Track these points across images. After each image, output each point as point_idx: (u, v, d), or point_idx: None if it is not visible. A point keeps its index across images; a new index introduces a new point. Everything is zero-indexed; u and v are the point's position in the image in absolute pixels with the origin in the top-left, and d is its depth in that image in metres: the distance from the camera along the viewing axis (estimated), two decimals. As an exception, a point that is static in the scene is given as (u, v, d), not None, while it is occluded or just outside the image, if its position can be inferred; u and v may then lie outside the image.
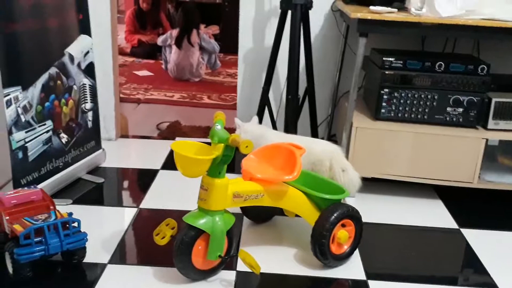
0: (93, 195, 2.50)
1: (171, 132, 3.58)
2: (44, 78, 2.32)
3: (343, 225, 1.98)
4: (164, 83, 4.98)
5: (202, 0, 6.64)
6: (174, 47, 5.07)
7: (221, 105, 4.38)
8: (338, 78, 3.03)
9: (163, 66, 5.42)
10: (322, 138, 3.13)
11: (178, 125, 3.72)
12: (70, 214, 1.85)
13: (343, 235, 1.96)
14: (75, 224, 1.86)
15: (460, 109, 2.50)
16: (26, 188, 2.01)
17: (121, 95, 3.60)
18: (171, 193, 2.53)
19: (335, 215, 1.92)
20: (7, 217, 1.83)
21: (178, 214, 2.24)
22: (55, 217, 1.83)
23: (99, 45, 2.88)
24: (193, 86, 4.94)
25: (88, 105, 2.68)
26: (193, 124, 3.76)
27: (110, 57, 3.04)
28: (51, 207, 1.93)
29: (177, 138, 3.36)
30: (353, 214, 1.98)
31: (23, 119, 2.20)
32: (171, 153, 3.05)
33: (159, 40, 5.34)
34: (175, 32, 5.13)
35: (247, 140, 1.68)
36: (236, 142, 1.69)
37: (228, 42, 6.13)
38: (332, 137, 3.18)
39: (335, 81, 3.04)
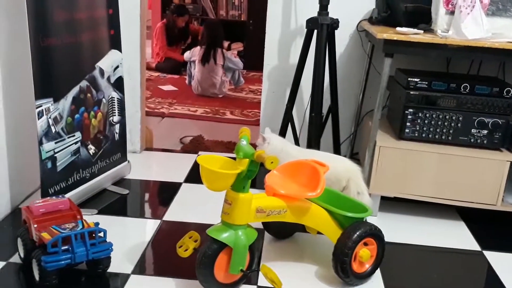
0: (117, 206, 2.55)
1: (194, 146, 3.62)
2: (75, 90, 2.39)
3: (365, 244, 1.98)
4: (188, 98, 5.05)
5: (227, 18, 6.74)
6: (198, 64, 5.14)
7: (244, 120, 4.42)
8: (361, 97, 3.05)
9: (186, 81, 5.50)
10: (345, 156, 3.15)
11: (201, 139, 3.76)
12: (97, 224, 1.89)
13: (365, 253, 1.96)
14: (101, 234, 1.89)
15: (485, 131, 2.49)
16: (54, 197, 2.06)
17: (146, 109, 3.66)
18: (194, 206, 2.56)
19: (357, 233, 1.93)
20: (35, 225, 1.88)
21: (200, 227, 2.27)
22: (82, 227, 1.87)
23: (128, 60, 2.94)
24: (216, 102, 5.00)
25: (116, 118, 2.74)
26: (215, 139, 3.80)
27: (139, 72, 3.11)
28: (78, 217, 1.97)
29: (200, 152, 3.40)
30: (375, 233, 1.99)
31: (53, 130, 2.26)
32: (194, 166, 3.10)
33: (185, 56, 5.43)
34: (200, 50, 5.21)
35: (273, 156, 1.70)
36: (261, 158, 1.72)
37: (252, 59, 6.22)
38: (354, 155, 3.18)
39: (359, 100, 3.06)
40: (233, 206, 1.81)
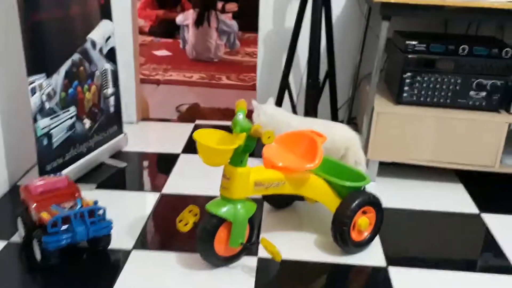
0: (116, 179, 2.54)
1: (190, 114, 3.60)
2: (67, 64, 2.34)
3: (364, 212, 1.99)
4: (183, 63, 4.99)
5: (221, -23, 6.58)
6: (191, 28, 5.05)
7: (240, 85, 4.38)
8: (359, 60, 3.00)
9: (181, 45, 5.42)
10: (342, 121, 3.14)
11: (197, 107, 3.74)
12: (96, 202, 1.89)
13: (364, 222, 1.97)
14: (100, 212, 1.89)
15: (483, 93, 2.46)
16: (51, 175, 2.05)
17: (141, 76, 3.62)
18: (192, 177, 2.56)
19: (356, 202, 1.93)
20: (35, 205, 1.88)
21: (199, 200, 2.29)
22: (81, 205, 1.87)
23: (119, 29, 2.88)
24: (211, 66, 4.94)
25: (110, 90, 2.70)
26: (212, 106, 3.78)
27: (131, 41, 3.05)
28: (77, 194, 1.97)
29: (196, 121, 3.38)
30: (374, 201, 1.99)
31: (47, 106, 2.23)
32: (191, 136, 3.08)
33: (178, 19, 5.32)
34: (193, 13, 5.10)
35: (269, 131, 1.69)
36: (258, 133, 1.70)
37: (247, 19, 6.07)
38: (352, 120, 3.16)
39: (356, 63, 3.02)
40: (231, 181, 1.80)
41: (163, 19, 5.99)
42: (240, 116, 1.78)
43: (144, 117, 3.38)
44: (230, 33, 5.23)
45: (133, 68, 3.12)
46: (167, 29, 5.90)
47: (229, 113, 3.63)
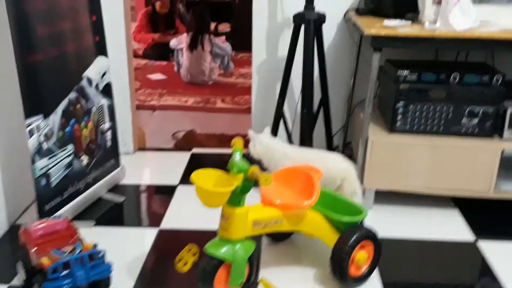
0: (114, 215, 2.56)
1: (187, 141, 3.62)
2: (64, 103, 2.36)
3: (362, 247, 2.01)
4: (178, 87, 5.02)
5: (212, -1, 6.64)
6: (186, 52, 5.09)
7: (235, 109, 4.41)
8: (352, 87, 3.03)
9: (175, 69, 5.45)
10: (337, 146, 3.16)
11: (193, 134, 3.76)
12: (95, 245, 1.90)
13: (362, 257, 1.99)
14: (100, 255, 1.90)
15: (476, 120, 2.50)
16: (51, 218, 2.06)
17: (137, 102, 3.64)
18: (191, 210, 2.57)
19: (354, 238, 1.95)
20: (35, 249, 1.89)
21: (198, 235, 2.30)
22: (81, 249, 1.88)
23: (115, 63, 2.89)
24: (206, 89, 4.97)
25: (107, 125, 2.72)
26: (208, 132, 3.80)
27: (126, 72, 3.09)
28: (76, 237, 1.98)
29: (193, 149, 3.40)
30: (371, 236, 2.01)
31: (45, 147, 2.25)
32: (188, 167, 3.10)
33: (171, 43, 5.36)
34: (186, 36, 5.14)
35: (267, 174, 1.71)
36: (255, 175, 1.72)
37: (240, 39, 6.14)
38: (347, 145, 3.19)
39: (350, 90, 3.05)
40: (229, 221, 1.82)
41: (158, 42, 6.03)
42: (237, 157, 1.80)
43: (141, 147, 3.39)
44: (224, 55, 5.27)
45: (128, 98, 3.14)
46: (161, 52, 5.93)
47: (225, 139, 3.65)
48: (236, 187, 1.77)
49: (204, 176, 1.83)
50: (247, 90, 4.75)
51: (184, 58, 5.11)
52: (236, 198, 1.80)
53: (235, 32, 6.56)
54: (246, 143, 2.59)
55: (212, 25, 6.39)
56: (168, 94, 4.81)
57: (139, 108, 3.97)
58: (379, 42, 2.37)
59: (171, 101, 4.60)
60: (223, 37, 5.99)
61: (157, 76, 5.39)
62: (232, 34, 6.59)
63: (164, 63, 5.89)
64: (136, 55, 5.89)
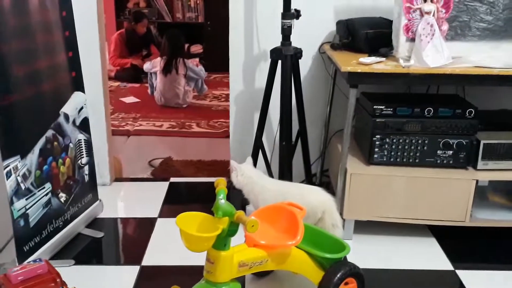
0: (93, 251, 2.52)
1: (164, 169, 3.60)
2: (41, 142, 2.33)
3: (346, 283, 2.04)
4: (152, 111, 5.00)
5: (184, 20, 6.66)
6: (159, 75, 5.08)
7: (212, 133, 4.42)
8: (328, 117, 3.08)
9: (149, 91, 5.43)
10: (315, 174, 3.20)
11: (170, 161, 3.74)
12: (78, 291, 1.88)
13: (346, 293, 2.02)
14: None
15: (450, 152, 2.57)
16: (31, 262, 2.02)
17: (111, 128, 3.61)
18: (171, 244, 2.54)
19: (338, 275, 1.98)
20: (16, 295, 1.85)
21: (180, 271, 2.29)
22: (64, 295, 1.86)
23: (90, 95, 2.87)
24: (181, 113, 4.96)
25: (84, 160, 2.69)
26: (185, 158, 3.79)
27: (102, 105, 3.06)
28: (58, 280, 1.95)
29: (171, 178, 3.38)
30: (355, 272, 2.04)
31: (23, 187, 2.21)
32: (166, 198, 3.09)
33: (145, 67, 5.35)
34: (160, 60, 5.13)
35: (254, 219, 1.72)
36: (242, 220, 1.73)
37: (212, 60, 6.19)
38: (325, 172, 3.23)
39: (326, 120, 3.09)
40: (215, 265, 1.82)
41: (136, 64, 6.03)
42: (222, 200, 1.81)
43: (118, 177, 3.36)
44: (197, 79, 5.28)
45: (104, 130, 3.13)
46: (133, 74, 5.91)
47: (202, 166, 3.65)
48: (222, 230, 1.77)
49: (189, 220, 1.83)
50: (222, 113, 4.79)
51: (158, 81, 5.10)
52: (221, 242, 1.81)
53: (207, 53, 6.59)
54: (227, 172, 2.61)
55: (185, 46, 6.41)
56: (142, 118, 4.79)
57: (114, 133, 3.94)
58: (356, 79, 2.42)
59: (146, 126, 4.58)
60: (197, 60, 6.00)
61: (130, 99, 5.36)
62: (204, 55, 6.62)
63: (137, 85, 5.87)
64: (108, 77, 5.85)
